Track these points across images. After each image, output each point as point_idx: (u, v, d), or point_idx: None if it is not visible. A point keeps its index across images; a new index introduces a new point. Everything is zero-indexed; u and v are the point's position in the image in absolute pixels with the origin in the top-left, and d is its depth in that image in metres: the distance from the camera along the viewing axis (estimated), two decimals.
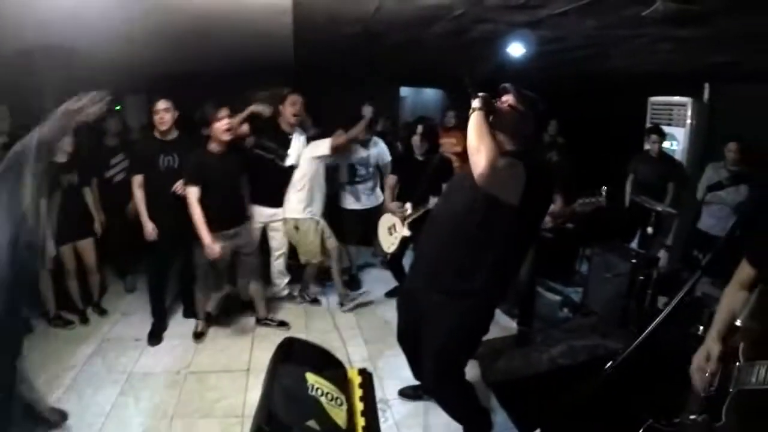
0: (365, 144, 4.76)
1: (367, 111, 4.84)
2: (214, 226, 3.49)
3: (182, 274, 4.13)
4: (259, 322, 4.08)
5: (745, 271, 1.65)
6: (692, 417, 1.56)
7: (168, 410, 3.02)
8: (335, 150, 4.17)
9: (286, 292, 4.60)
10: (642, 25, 3.19)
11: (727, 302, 1.68)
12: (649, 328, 1.37)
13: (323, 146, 4.16)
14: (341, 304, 4.50)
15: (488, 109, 2.13)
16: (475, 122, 2.05)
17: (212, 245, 3.43)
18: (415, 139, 4.01)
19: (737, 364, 1.45)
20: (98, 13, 2.63)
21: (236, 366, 3.51)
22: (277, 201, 4.23)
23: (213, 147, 3.59)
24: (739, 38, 3.37)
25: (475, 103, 2.12)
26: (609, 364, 1.45)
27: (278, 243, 4.39)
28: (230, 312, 4.28)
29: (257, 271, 4.06)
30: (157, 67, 4.25)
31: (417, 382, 3.18)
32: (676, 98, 5.80)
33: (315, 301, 4.66)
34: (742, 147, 4.52)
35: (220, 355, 3.63)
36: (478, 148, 1.95)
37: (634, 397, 2.83)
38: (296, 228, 4.22)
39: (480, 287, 2.29)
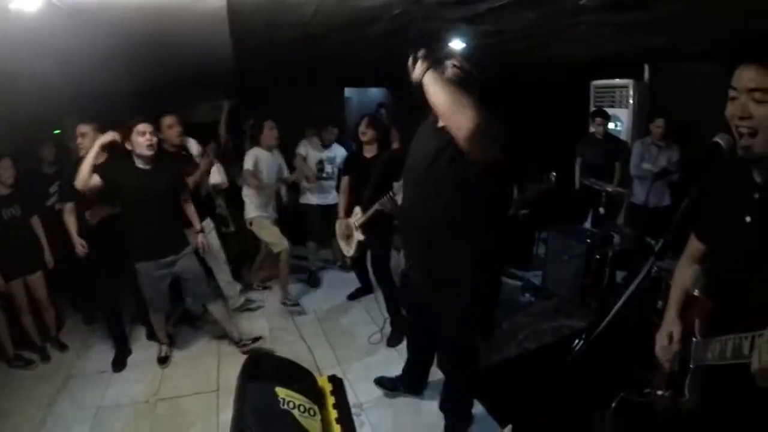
0: (327, 145, 5.03)
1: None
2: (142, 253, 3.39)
3: (137, 298, 4.00)
4: (237, 345, 3.87)
5: (694, 245, 1.70)
6: (659, 393, 1.59)
7: None
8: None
9: (242, 300, 4.56)
10: (580, 13, 3.28)
11: (680, 278, 1.72)
12: (614, 309, 1.39)
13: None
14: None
15: (435, 61, 1.97)
16: (433, 80, 1.88)
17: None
18: (362, 128, 3.96)
19: (694, 340, 1.48)
20: (29, 34, 2.53)
21: (205, 387, 3.43)
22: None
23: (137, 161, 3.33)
24: (675, 22, 3.50)
25: (421, 66, 1.90)
26: (576, 344, 1.46)
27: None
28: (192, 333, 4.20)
29: (209, 293, 3.82)
30: (94, 86, 4.11)
31: (395, 374, 3.25)
32: (618, 81, 5.99)
33: (296, 305, 4.62)
34: (667, 123, 4.77)
35: (188, 378, 3.54)
36: (457, 108, 1.80)
37: (604, 372, 2.91)
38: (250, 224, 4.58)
39: (467, 270, 2.33)
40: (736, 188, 1.42)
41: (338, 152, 5.12)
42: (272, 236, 4.54)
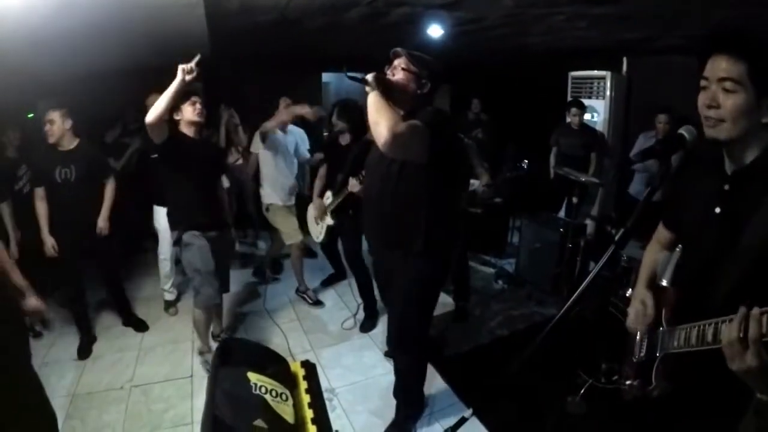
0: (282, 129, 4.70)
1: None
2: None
3: (107, 284, 3.97)
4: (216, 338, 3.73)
5: (662, 233, 1.74)
6: (627, 382, 1.61)
7: (117, 427, 2.92)
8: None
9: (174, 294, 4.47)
10: (558, 3, 3.30)
11: (648, 259, 1.77)
12: (574, 296, 1.40)
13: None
14: None
15: (382, 85, 2.21)
16: (371, 101, 2.14)
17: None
18: (333, 119, 3.93)
19: (660, 329, 1.51)
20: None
21: (179, 373, 3.42)
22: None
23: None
24: (652, 15, 3.54)
25: (369, 82, 2.20)
26: (539, 336, 1.48)
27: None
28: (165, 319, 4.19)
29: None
30: (69, 68, 4.02)
31: (358, 369, 3.33)
32: (596, 72, 6.04)
33: (318, 303, 4.45)
34: (670, 117, 4.75)
35: (162, 365, 3.52)
36: (377, 121, 2.05)
37: (574, 359, 2.98)
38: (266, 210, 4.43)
39: (422, 245, 2.41)
40: (707, 179, 1.44)
41: (296, 135, 4.77)
42: (289, 226, 4.34)
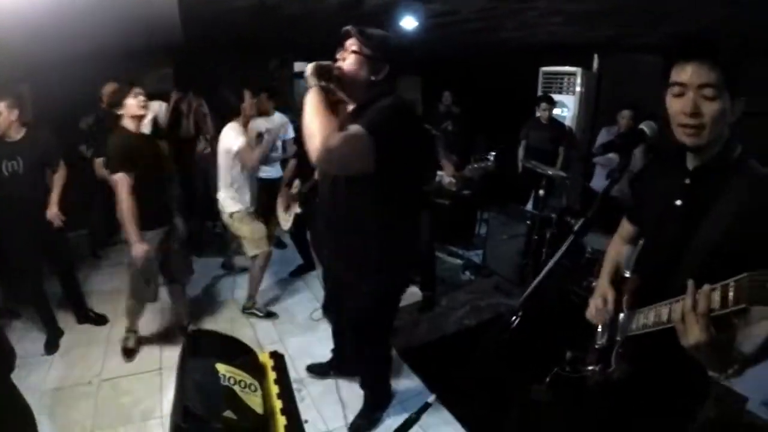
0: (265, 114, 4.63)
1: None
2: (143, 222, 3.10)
3: (61, 279, 3.84)
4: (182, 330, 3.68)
5: (625, 227, 1.78)
6: (590, 368, 1.65)
7: (86, 423, 2.87)
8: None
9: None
10: None
11: (612, 253, 1.80)
12: (532, 285, 1.44)
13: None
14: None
15: (323, 76, 1.94)
16: (308, 102, 1.85)
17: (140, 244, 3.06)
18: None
19: (621, 314, 1.56)
20: None
21: (148, 367, 3.37)
22: None
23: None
24: (624, 13, 3.60)
25: (309, 80, 1.91)
26: (501, 329, 1.51)
27: None
28: None
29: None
30: (37, 52, 3.88)
31: (326, 359, 3.28)
32: (566, 68, 6.12)
33: (270, 314, 4.09)
34: (635, 114, 4.86)
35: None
36: (310, 132, 1.77)
37: (540, 347, 3.04)
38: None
39: (378, 258, 2.23)
40: (670, 174, 1.47)
41: (278, 121, 4.69)
42: (256, 234, 3.88)
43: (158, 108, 4.21)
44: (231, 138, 3.61)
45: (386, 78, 2.06)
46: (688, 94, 1.26)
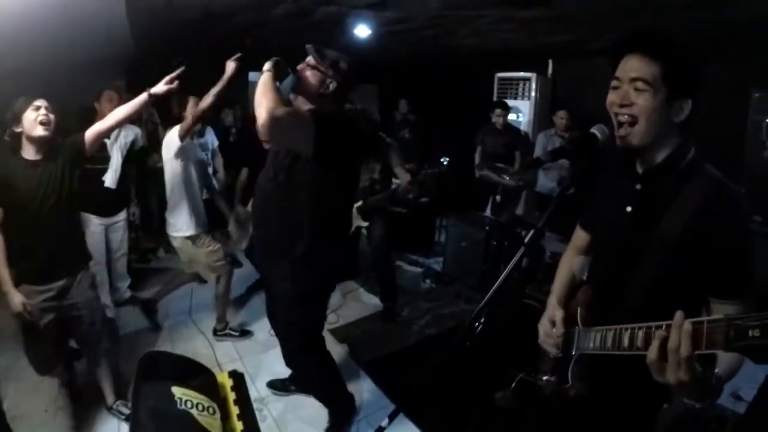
0: (200, 133, 4.57)
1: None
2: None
3: None
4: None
5: (578, 235, 1.74)
6: (545, 378, 1.59)
7: None
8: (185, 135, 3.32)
9: (128, 294, 4.25)
10: (484, 6, 3.36)
11: (564, 267, 1.74)
12: (488, 296, 1.39)
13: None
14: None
15: (277, 71, 2.21)
16: (261, 81, 2.15)
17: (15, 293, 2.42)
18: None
19: (576, 328, 1.49)
20: None
21: None
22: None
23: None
24: (580, 20, 3.66)
25: (266, 65, 2.20)
26: (463, 337, 1.46)
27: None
28: None
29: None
30: None
31: (287, 374, 3.20)
32: (521, 74, 6.25)
33: (245, 332, 3.90)
34: (571, 114, 4.98)
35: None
36: (260, 102, 2.07)
37: (505, 354, 3.03)
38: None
39: (304, 248, 2.32)
40: (620, 179, 1.45)
41: (208, 138, 4.71)
42: (213, 257, 3.62)
43: (136, 132, 4.03)
44: (171, 143, 3.32)
45: (334, 92, 2.33)
46: (622, 86, 1.28)
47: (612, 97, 1.31)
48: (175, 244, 3.57)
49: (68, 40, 3.39)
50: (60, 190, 2.47)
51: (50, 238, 2.47)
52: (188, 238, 3.50)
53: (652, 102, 1.23)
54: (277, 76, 2.20)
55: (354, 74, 2.37)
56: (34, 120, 2.36)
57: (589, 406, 1.50)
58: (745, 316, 0.88)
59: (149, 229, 5.29)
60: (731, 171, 1.29)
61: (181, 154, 3.34)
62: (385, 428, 1.43)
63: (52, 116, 2.41)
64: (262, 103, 2.05)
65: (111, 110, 2.85)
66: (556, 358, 1.55)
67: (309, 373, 2.80)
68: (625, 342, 1.20)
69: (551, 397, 1.58)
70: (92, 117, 3.69)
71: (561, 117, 5.02)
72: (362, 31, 4.17)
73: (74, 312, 2.65)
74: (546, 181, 5.22)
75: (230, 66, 2.92)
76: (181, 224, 3.46)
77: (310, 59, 2.32)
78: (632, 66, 1.25)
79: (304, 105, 2.31)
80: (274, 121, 2.02)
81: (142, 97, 2.63)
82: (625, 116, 1.26)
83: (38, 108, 2.38)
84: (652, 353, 1.05)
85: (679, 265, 1.25)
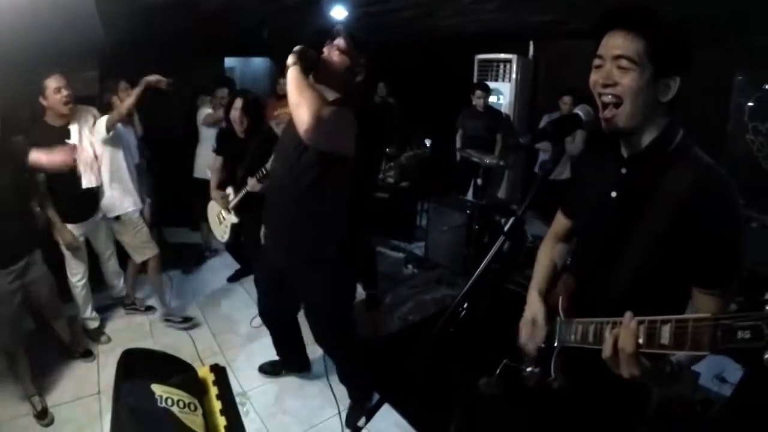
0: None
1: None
2: None
3: None
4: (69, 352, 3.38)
5: (560, 222, 1.67)
6: (528, 369, 1.54)
7: None
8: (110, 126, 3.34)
9: (123, 292, 4.12)
10: None
11: (545, 256, 1.68)
12: (469, 284, 1.34)
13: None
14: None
15: (305, 62, 2.00)
16: (291, 78, 1.94)
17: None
18: (234, 115, 3.52)
19: (558, 318, 1.45)
20: None
21: (86, 391, 3.14)
22: None
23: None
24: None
25: (290, 59, 1.98)
26: (441, 320, 1.41)
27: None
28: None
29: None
30: None
31: (275, 358, 3.19)
32: (502, 55, 6.16)
33: (187, 320, 3.91)
34: (575, 100, 4.85)
35: (68, 384, 3.21)
36: (299, 102, 1.86)
37: (488, 340, 3.02)
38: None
39: (337, 249, 2.27)
40: (604, 163, 1.39)
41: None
42: (142, 237, 3.68)
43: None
44: (99, 132, 3.32)
45: (361, 83, 2.20)
46: (605, 65, 1.21)
47: (595, 76, 1.24)
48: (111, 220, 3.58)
49: (34, 31, 3.23)
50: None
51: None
52: (123, 215, 3.53)
53: (638, 81, 1.16)
54: (306, 68, 1.99)
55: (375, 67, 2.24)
56: None
57: (573, 397, 1.46)
58: (733, 315, 0.83)
59: None
60: (713, 154, 1.23)
61: (109, 141, 3.37)
62: (362, 428, 1.38)
63: None
64: (302, 104, 1.84)
65: (59, 102, 3.08)
66: (540, 348, 1.51)
67: (344, 356, 2.81)
68: (607, 335, 1.16)
69: (535, 389, 1.53)
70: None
71: (565, 102, 4.91)
72: (339, 12, 4.08)
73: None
74: (540, 162, 5.20)
75: (150, 78, 2.95)
76: (115, 202, 3.49)
77: (340, 42, 2.12)
78: (615, 43, 1.18)
79: (328, 94, 2.10)
80: (321, 123, 1.83)
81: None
82: (609, 96, 1.20)
83: None
84: (606, 350, 1.10)
85: (666, 254, 1.20)
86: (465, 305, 1.37)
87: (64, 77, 3.10)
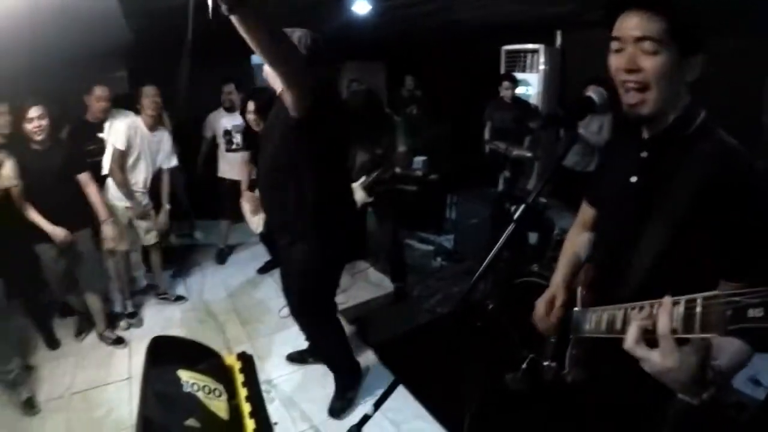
0: (230, 109, 4.63)
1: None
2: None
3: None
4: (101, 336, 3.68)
5: (585, 211, 1.63)
6: (545, 363, 1.50)
7: None
8: None
9: (144, 283, 4.33)
10: None
11: (570, 245, 1.63)
12: (478, 273, 1.33)
13: None
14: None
15: None
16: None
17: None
18: (249, 118, 3.67)
19: (575, 309, 1.40)
20: None
21: (117, 376, 3.30)
22: None
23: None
24: None
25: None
26: (449, 313, 1.39)
27: None
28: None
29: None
30: None
31: (302, 347, 3.27)
32: (529, 45, 6.05)
33: (180, 298, 4.27)
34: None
35: (100, 369, 3.38)
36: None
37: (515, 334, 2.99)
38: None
39: (307, 227, 2.38)
40: (626, 147, 1.33)
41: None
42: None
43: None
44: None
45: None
46: (627, 48, 1.12)
47: (616, 61, 1.16)
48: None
49: (62, 35, 3.38)
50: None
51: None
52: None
53: (665, 64, 1.08)
54: None
55: (320, 50, 2.26)
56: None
57: (590, 392, 1.42)
58: (744, 291, 0.74)
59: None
60: (748, 145, 1.14)
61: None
62: (371, 416, 1.36)
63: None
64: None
65: (99, 107, 3.74)
66: (555, 341, 1.48)
67: (318, 335, 2.90)
68: (618, 324, 1.10)
69: (552, 383, 1.49)
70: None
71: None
72: (362, 7, 4.10)
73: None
74: (570, 154, 5.09)
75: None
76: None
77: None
78: (635, 23, 1.09)
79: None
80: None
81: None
82: (634, 83, 1.12)
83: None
84: (630, 337, 0.96)
85: (688, 241, 1.12)
86: (491, 300, 1.35)
87: (107, 89, 3.81)
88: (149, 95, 3.61)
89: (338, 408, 2.87)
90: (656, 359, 0.91)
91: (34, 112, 3.06)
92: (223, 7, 1.56)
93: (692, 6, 1.09)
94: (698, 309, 0.83)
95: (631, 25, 1.10)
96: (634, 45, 1.11)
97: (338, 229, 2.53)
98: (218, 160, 4.80)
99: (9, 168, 3.02)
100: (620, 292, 1.22)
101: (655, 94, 1.11)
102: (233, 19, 1.63)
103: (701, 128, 1.16)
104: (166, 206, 4.00)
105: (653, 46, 1.08)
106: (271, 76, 2.23)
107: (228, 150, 4.69)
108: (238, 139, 4.66)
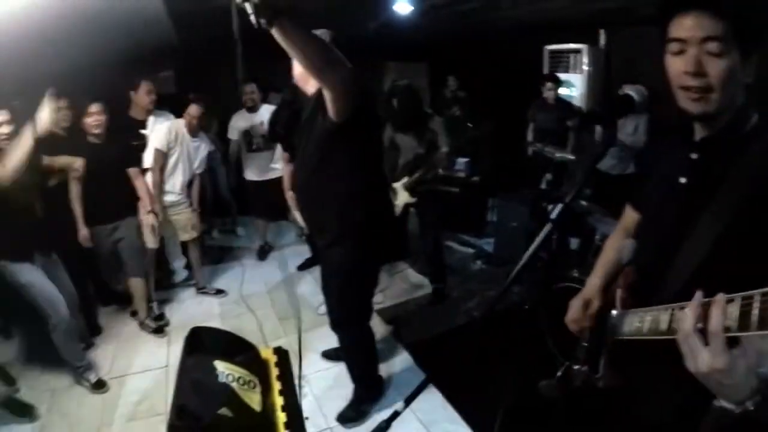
0: (252, 108, 4.59)
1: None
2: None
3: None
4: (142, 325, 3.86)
5: (628, 215, 1.58)
6: (576, 367, 1.49)
7: (94, 420, 2.93)
8: None
9: (185, 274, 4.47)
10: None
11: (610, 249, 1.58)
12: (511, 276, 1.30)
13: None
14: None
15: None
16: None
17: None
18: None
19: (612, 313, 1.35)
20: None
21: (155, 364, 3.42)
22: None
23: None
24: None
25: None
26: (476, 318, 1.37)
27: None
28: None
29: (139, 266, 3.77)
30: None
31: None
32: (572, 45, 5.92)
33: (220, 292, 4.39)
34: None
35: (138, 356, 3.51)
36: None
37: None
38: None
39: (336, 232, 2.41)
40: (673, 148, 1.28)
41: (266, 116, 4.22)
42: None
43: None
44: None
45: None
46: (690, 50, 1.05)
47: (677, 64, 1.09)
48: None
49: (109, 35, 3.53)
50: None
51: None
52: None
53: (729, 66, 1.02)
54: None
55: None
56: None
57: (624, 398, 1.37)
58: None
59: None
60: None
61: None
62: (400, 413, 1.34)
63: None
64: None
65: (145, 102, 3.90)
66: (588, 345, 1.44)
67: (348, 343, 2.86)
68: (663, 325, 1.05)
69: (582, 388, 1.48)
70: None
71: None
72: (403, 7, 4.10)
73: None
74: (607, 158, 4.96)
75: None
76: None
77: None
78: (699, 24, 1.03)
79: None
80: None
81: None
82: (697, 88, 1.06)
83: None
84: (680, 330, 0.92)
85: (736, 244, 1.07)
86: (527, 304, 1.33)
87: (153, 85, 3.97)
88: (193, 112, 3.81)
89: (348, 417, 2.86)
90: (705, 357, 0.86)
91: (95, 107, 3.34)
92: (262, 21, 1.56)
93: (754, 6, 1.04)
94: (756, 305, 0.79)
95: (695, 25, 1.04)
96: (698, 46, 1.04)
97: (375, 232, 2.51)
98: (242, 161, 4.81)
99: (80, 160, 3.30)
100: (662, 295, 1.17)
101: (718, 95, 1.05)
102: (273, 32, 1.64)
103: (755, 130, 1.12)
104: (197, 208, 4.14)
105: (719, 47, 1.02)
106: (302, 79, 2.25)
107: (249, 150, 4.68)
108: (258, 139, 4.63)
